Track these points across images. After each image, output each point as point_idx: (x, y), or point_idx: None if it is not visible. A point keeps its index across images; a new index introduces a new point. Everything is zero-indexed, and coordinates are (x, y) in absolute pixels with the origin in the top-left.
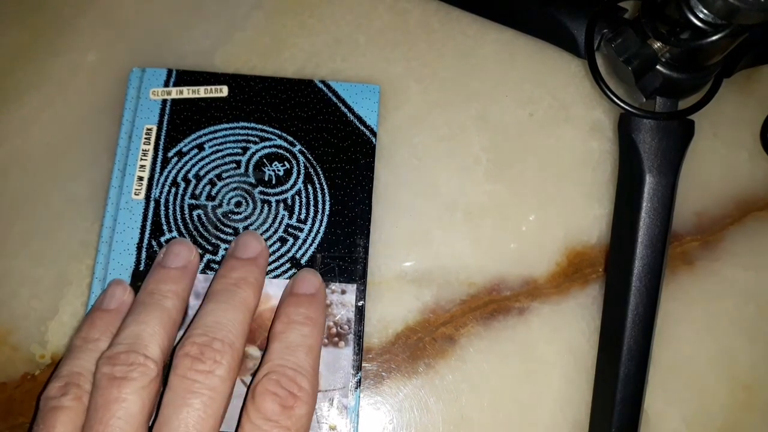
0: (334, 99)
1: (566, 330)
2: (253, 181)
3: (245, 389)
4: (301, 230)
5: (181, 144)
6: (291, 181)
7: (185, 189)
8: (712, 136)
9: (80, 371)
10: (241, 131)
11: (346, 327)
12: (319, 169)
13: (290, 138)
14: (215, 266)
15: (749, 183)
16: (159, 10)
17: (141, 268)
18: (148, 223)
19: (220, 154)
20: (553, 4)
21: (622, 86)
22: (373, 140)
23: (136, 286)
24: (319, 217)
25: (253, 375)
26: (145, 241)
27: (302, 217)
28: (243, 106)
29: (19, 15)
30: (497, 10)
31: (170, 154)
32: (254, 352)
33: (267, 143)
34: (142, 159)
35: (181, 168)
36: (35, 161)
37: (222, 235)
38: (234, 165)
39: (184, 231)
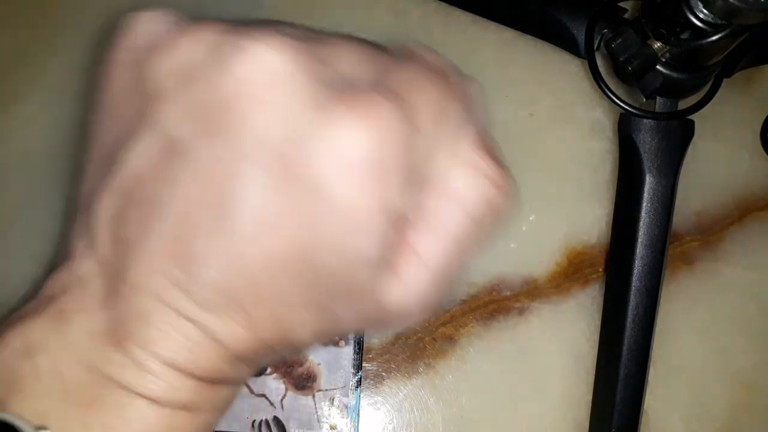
0: None
1: (566, 330)
2: None
3: (246, 388)
4: None
5: None
6: None
7: None
8: (712, 136)
9: None
10: None
11: None
12: None
13: None
14: None
15: (749, 183)
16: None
17: None
18: None
19: None
20: (553, 4)
21: (622, 86)
22: None
23: None
24: None
25: (255, 375)
26: None
27: None
28: None
29: (19, 15)
30: (497, 10)
31: None
32: None
33: None
34: None
35: None
36: (35, 162)
37: None
38: None
39: None
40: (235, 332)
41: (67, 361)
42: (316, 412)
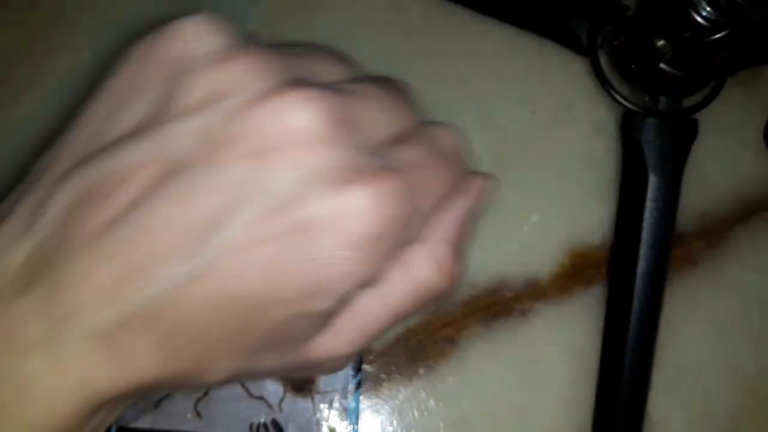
0: None
1: (569, 332)
2: None
3: (244, 391)
4: None
5: None
6: None
7: None
8: (715, 135)
9: None
10: None
11: None
12: None
13: None
14: None
15: (754, 182)
16: (155, 8)
17: None
18: None
19: None
20: (556, 1)
21: (625, 85)
22: None
23: None
24: None
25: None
26: None
27: None
28: None
29: (15, 13)
30: (499, 7)
31: None
32: None
33: None
34: None
35: None
36: (32, 162)
37: None
38: None
39: None
40: (144, 356)
41: None
42: (315, 414)
